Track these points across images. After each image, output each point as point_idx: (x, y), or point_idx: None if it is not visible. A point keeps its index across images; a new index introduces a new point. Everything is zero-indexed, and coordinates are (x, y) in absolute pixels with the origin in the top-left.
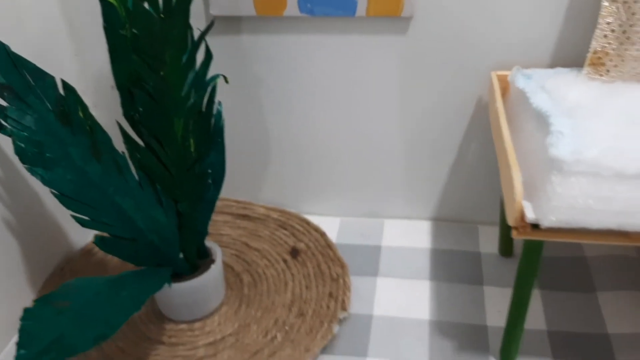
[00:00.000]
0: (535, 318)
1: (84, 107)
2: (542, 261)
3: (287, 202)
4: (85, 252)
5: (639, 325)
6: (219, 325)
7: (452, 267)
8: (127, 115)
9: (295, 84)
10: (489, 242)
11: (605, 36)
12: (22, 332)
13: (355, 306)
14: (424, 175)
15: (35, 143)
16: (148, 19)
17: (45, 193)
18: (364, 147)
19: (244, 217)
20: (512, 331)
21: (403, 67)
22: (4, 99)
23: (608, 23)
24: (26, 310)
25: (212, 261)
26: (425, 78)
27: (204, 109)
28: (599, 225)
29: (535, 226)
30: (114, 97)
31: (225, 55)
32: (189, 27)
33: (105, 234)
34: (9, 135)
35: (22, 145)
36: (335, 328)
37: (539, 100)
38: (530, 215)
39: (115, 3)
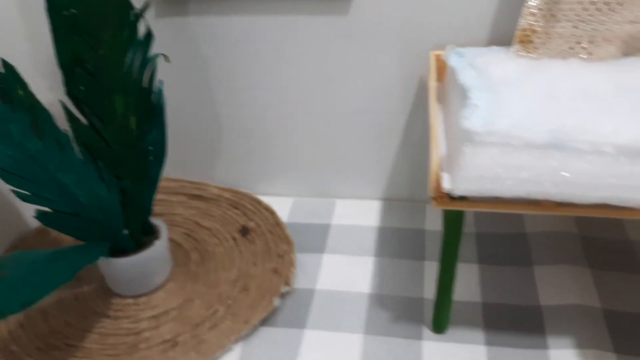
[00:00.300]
0: (472, 291)
1: (24, 86)
2: (484, 237)
3: (241, 183)
4: (40, 231)
5: (570, 297)
6: (164, 300)
7: (397, 244)
8: (70, 93)
9: (244, 66)
10: (435, 220)
11: (532, 14)
12: None
13: (300, 281)
14: (372, 156)
15: None
16: None
17: None
18: (315, 128)
19: (198, 197)
20: (440, 301)
21: (346, 48)
22: None
23: (535, 1)
24: None
25: (158, 238)
26: (368, 58)
27: (145, 87)
28: (509, 194)
29: (456, 197)
30: None
31: (174, 37)
32: (129, 8)
33: (48, 209)
34: None
35: None
36: (276, 301)
37: (466, 76)
38: (446, 185)
39: None
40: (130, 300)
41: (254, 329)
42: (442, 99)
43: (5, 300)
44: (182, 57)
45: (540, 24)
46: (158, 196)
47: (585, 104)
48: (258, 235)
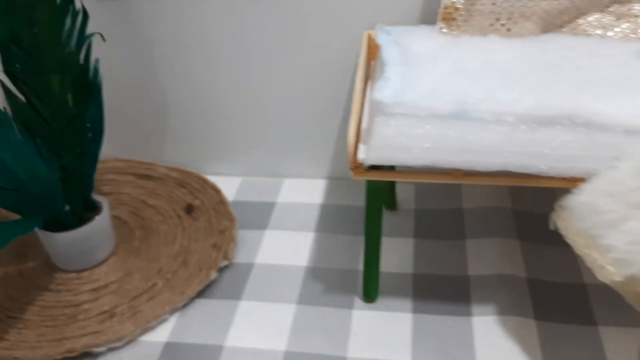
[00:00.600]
0: (405, 263)
1: None
2: (422, 213)
3: (191, 163)
4: None
5: (498, 267)
6: (106, 274)
7: (337, 220)
8: (7, 71)
9: (190, 47)
10: None
11: None
12: None
13: (240, 256)
14: (317, 136)
15: None
16: None
17: None
18: (261, 109)
19: (146, 177)
20: (368, 271)
21: (284, 27)
22: None
23: None
24: None
25: (99, 214)
26: (306, 39)
27: (81, 66)
28: (415, 162)
29: (374, 167)
30: None
31: (119, 18)
32: None
33: None
34: None
35: None
36: (213, 274)
37: (387, 52)
38: (361, 156)
39: None
40: (73, 275)
41: (191, 300)
42: (371, 76)
43: None
44: (128, 39)
45: (462, 1)
46: (107, 176)
47: (493, 77)
48: (202, 213)
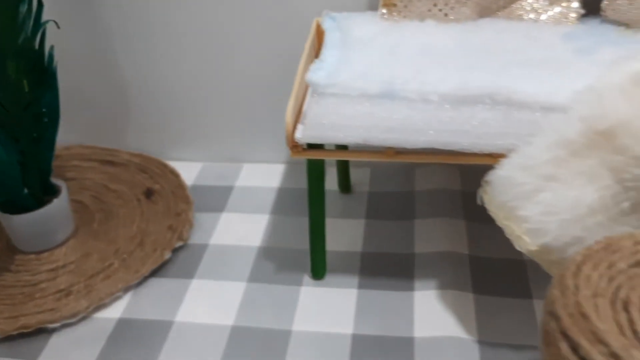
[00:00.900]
0: (354, 242)
1: None
2: (375, 195)
3: (152, 149)
4: None
5: (442, 245)
6: (64, 255)
7: (293, 203)
8: None
9: (148, 35)
10: (331, 180)
11: None
12: None
13: (195, 237)
14: (274, 122)
15: None
16: None
17: None
18: (220, 95)
19: (109, 162)
20: (314, 249)
21: (242, 14)
22: None
23: None
24: None
25: (58, 197)
26: (264, 25)
27: (37, 52)
28: (347, 140)
29: (313, 147)
30: None
31: (79, 5)
32: None
33: None
34: None
35: None
36: (168, 254)
37: (329, 37)
38: (297, 135)
39: None
40: (32, 256)
41: (145, 279)
42: None
43: None
44: (88, 26)
45: None
46: (72, 162)
47: (423, 60)
48: (161, 197)
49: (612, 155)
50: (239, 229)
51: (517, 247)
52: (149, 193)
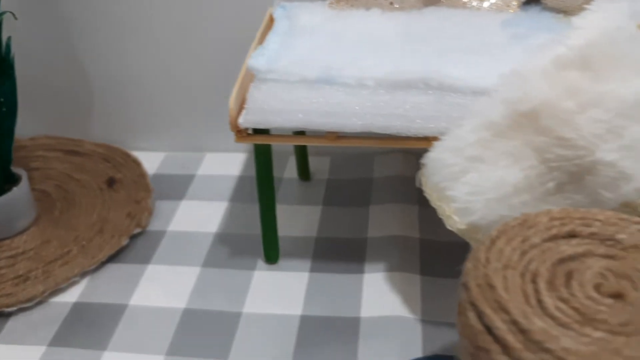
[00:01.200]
0: (310, 228)
1: None
2: (334, 182)
3: (117, 139)
4: None
5: (394, 229)
6: (25, 242)
7: (252, 190)
8: None
9: (106, 22)
10: (292, 168)
11: None
12: None
13: (154, 224)
14: None
15: None
16: None
17: None
18: (182, 84)
19: (74, 152)
20: (265, 233)
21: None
22: None
23: None
24: None
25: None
26: (221, 13)
27: None
28: (287, 125)
29: (258, 131)
30: None
31: None
32: None
33: None
34: None
35: None
36: (125, 241)
37: (277, 25)
38: (240, 121)
39: None
40: None
41: (102, 265)
42: None
43: None
44: (47, 17)
45: None
46: (37, 152)
47: (363, 47)
48: (123, 185)
49: (535, 137)
50: (198, 216)
51: (448, 227)
52: (111, 182)
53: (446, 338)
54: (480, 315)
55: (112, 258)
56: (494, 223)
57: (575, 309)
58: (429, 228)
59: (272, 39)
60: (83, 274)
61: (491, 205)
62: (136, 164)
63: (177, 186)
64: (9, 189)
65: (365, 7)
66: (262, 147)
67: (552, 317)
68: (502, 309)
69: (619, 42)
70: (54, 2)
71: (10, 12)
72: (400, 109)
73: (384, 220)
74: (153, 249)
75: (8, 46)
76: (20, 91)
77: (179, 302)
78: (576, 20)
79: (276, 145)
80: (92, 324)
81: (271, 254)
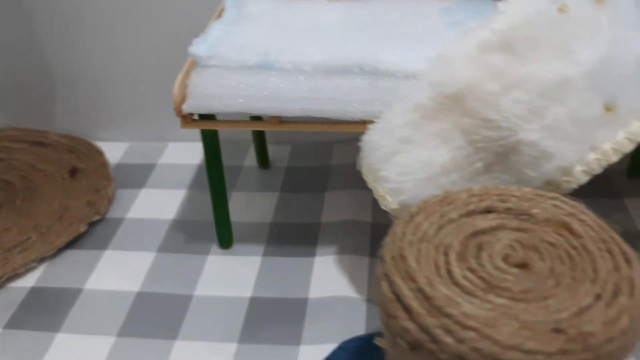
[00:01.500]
0: (265, 214)
1: None
2: (292, 170)
3: (81, 130)
4: None
5: (348, 214)
6: None
7: None
8: None
9: (67, 14)
10: (252, 157)
11: None
12: None
13: (113, 212)
14: None
15: None
16: None
17: None
18: (144, 74)
19: (39, 144)
20: (218, 219)
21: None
22: None
23: None
24: None
25: None
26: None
27: None
28: (228, 110)
29: (205, 117)
30: None
31: None
32: None
33: None
34: None
35: None
36: (83, 227)
37: (226, 13)
38: (184, 107)
39: None
40: None
41: (60, 251)
42: None
43: None
44: (8, 9)
45: None
46: (2, 143)
47: (305, 34)
48: (85, 175)
49: (461, 118)
50: (156, 204)
51: (382, 207)
52: (73, 171)
53: None
54: (391, 285)
55: (71, 245)
56: None
57: (482, 278)
58: (381, 212)
59: (217, 27)
60: (41, 260)
61: (421, 185)
62: (99, 153)
63: (139, 175)
64: None
65: None
66: (208, 133)
67: (459, 286)
68: (411, 278)
69: (540, 25)
70: None
71: None
72: (337, 93)
73: (339, 206)
74: (111, 236)
75: None
76: None
77: (133, 285)
78: (501, 5)
79: (236, 134)
80: (47, 307)
81: (224, 238)
